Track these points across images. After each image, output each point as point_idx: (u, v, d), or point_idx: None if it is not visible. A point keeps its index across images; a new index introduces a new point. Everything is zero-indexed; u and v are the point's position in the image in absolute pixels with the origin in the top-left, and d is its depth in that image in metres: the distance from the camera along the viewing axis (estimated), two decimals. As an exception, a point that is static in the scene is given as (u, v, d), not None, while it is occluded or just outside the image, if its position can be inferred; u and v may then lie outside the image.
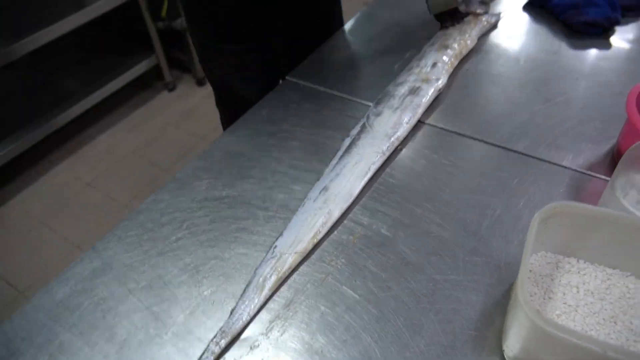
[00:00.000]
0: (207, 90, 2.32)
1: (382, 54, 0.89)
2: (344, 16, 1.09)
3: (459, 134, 0.72)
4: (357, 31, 0.98)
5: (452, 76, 0.82)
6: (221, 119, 1.16)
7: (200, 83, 2.34)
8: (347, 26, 0.99)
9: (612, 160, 0.66)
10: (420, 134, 0.73)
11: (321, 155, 0.70)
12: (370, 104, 0.77)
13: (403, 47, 0.89)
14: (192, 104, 2.27)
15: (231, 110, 1.09)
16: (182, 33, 2.16)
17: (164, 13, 2.13)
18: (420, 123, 0.74)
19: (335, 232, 0.60)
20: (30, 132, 1.84)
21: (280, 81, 1.09)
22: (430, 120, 0.75)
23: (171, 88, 2.33)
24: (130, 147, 2.06)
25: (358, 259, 0.57)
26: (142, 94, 2.32)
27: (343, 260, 0.57)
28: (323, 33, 1.04)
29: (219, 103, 1.11)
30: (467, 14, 0.89)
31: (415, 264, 0.56)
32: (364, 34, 0.97)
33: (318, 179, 0.66)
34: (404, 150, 0.70)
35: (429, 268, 0.56)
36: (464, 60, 0.86)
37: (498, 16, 0.93)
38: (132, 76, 2.13)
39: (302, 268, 0.57)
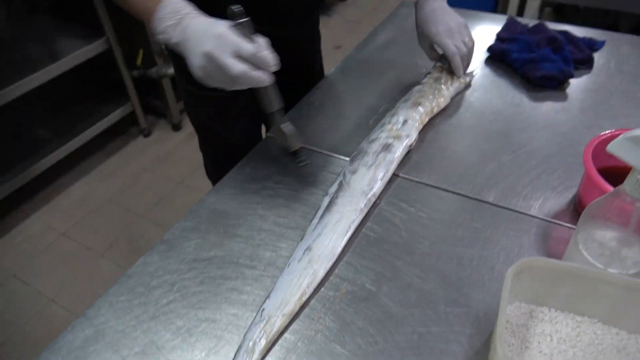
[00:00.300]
0: (183, 134, 2.35)
1: (358, 109, 0.94)
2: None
3: (433, 187, 0.77)
4: (333, 86, 1.03)
5: (424, 129, 0.87)
6: (204, 162, 1.20)
7: (175, 128, 2.36)
8: (324, 81, 1.05)
9: (575, 209, 0.72)
10: (396, 187, 0.77)
11: (304, 212, 0.74)
12: (347, 158, 0.81)
13: (378, 102, 0.95)
14: (168, 148, 2.28)
15: (214, 154, 1.14)
16: (157, 80, 2.20)
17: (139, 62, 2.16)
18: (395, 176, 0.79)
19: (322, 289, 0.63)
20: (3, 184, 1.82)
21: (263, 131, 1.14)
22: (405, 173, 0.79)
23: (146, 134, 2.34)
24: (106, 194, 2.05)
25: (345, 315, 0.60)
26: (116, 141, 2.33)
27: (331, 317, 0.60)
28: (305, 78, 1.12)
29: (203, 146, 1.15)
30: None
31: (399, 317, 0.59)
32: (340, 88, 1.02)
33: (302, 237, 0.68)
34: (381, 204, 0.74)
35: (413, 321, 0.59)
36: (437, 112, 0.91)
37: (471, 75, 0.99)
38: (107, 124, 2.14)
39: (292, 326, 0.59)
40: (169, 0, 0.68)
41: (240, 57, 0.64)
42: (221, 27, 0.64)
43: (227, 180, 0.80)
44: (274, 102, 0.74)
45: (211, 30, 0.64)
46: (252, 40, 0.65)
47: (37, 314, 1.62)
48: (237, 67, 0.63)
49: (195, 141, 1.15)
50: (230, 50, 0.63)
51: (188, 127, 2.37)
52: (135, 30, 2.07)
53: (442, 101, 0.90)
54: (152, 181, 2.11)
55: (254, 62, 0.65)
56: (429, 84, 0.92)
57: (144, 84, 2.29)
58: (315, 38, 1.13)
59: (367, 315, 0.60)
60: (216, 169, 1.16)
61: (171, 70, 2.16)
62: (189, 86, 0.99)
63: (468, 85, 0.98)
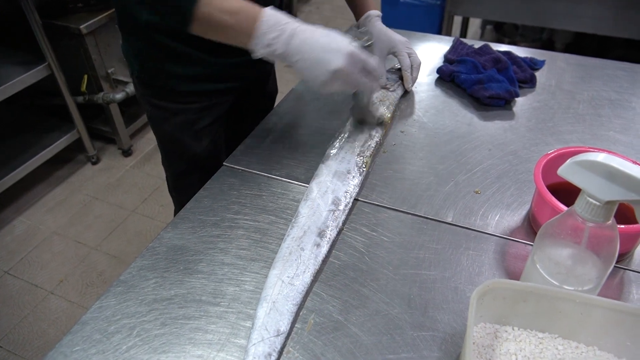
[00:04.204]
0: (134, 160, 2.28)
1: (313, 134, 0.95)
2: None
3: (393, 209, 0.78)
4: (289, 109, 1.03)
5: (379, 153, 0.89)
6: (167, 177, 1.17)
7: (126, 153, 2.29)
8: (278, 107, 1.04)
9: (529, 225, 0.74)
10: (357, 211, 0.77)
11: (266, 242, 0.73)
12: (307, 185, 0.81)
13: (333, 126, 0.95)
14: (118, 175, 2.21)
15: (179, 167, 1.12)
16: (104, 106, 2.13)
17: (83, 87, 2.09)
18: (355, 200, 0.79)
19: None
20: (-63, 223, 1.69)
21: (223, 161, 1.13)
22: (364, 197, 0.80)
23: (95, 161, 2.26)
24: (52, 227, 1.95)
25: (314, 347, 0.59)
26: (63, 170, 2.23)
27: (300, 351, 0.59)
28: (261, 98, 1.15)
29: (167, 160, 1.12)
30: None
31: (369, 345, 0.59)
32: (296, 112, 1.02)
33: (266, 266, 0.67)
34: (344, 230, 0.74)
35: (382, 348, 0.59)
36: (389, 135, 0.93)
37: (402, 87, 1.06)
38: (51, 153, 2.05)
39: (260, 364, 0.58)
40: (270, 13, 0.72)
41: (364, 70, 0.75)
42: (348, 45, 0.72)
43: (185, 214, 0.78)
44: (369, 96, 0.88)
45: (338, 47, 0.71)
46: (371, 56, 0.76)
47: (-21, 361, 1.50)
48: (363, 80, 0.75)
49: (147, 166, 1.13)
50: (360, 67, 0.74)
51: (139, 152, 2.31)
52: (78, 56, 2.00)
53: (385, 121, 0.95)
54: (102, 210, 2.03)
55: (373, 74, 0.77)
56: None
57: (90, 109, 2.22)
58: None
59: (337, 347, 0.59)
60: (180, 183, 1.15)
61: (119, 95, 2.09)
62: (157, 101, 0.98)
63: (406, 93, 1.06)
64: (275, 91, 1.23)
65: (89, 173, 2.23)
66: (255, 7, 0.73)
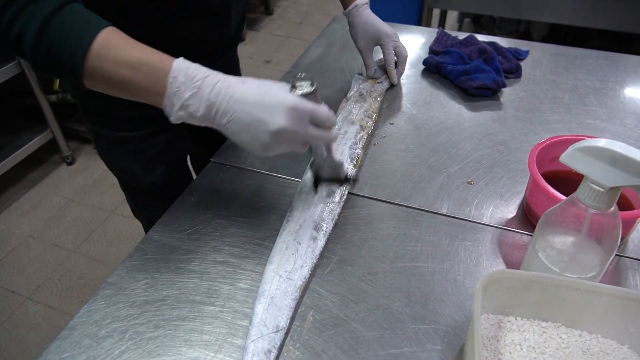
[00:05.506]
0: (111, 160, 2.22)
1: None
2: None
3: (387, 202, 0.77)
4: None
5: (370, 145, 0.88)
6: (127, 201, 1.09)
7: (102, 153, 2.23)
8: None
9: (523, 214, 0.74)
10: (351, 205, 0.76)
11: (259, 239, 0.71)
12: (299, 180, 0.79)
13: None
14: (95, 176, 2.15)
15: (136, 196, 1.03)
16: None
17: (56, 86, 2.03)
18: (349, 194, 0.78)
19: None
20: None
21: (189, 160, 1.07)
22: (358, 190, 0.79)
23: (70, 161, 2.19)
24: (28, 230, 1.89)
25: (315, 344, 0.58)
26: (37, 171, 2.16)
27: (300, 349, 0.57)
28: None
29: (122, 188, 1.04)
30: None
31: (371, 340, 0.58)
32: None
33: (261, 263, 0.65)
34: (340, 224, 0.73)
35: (384, 343, 0.58)
36: (378, 128, 0.92)
37: (387, 81, 1.04)
38: (24, 154, 1.98)
39: (260, 364, 0.56)
40: (180, 67, 0.57)
41: (315, 122, 0.61)
42: (287, 97, 0.58)
43: (172, 212, 0.75)
44: (328, 149, 0.70)
45: (276, 100, 0.57)
46: (319, 103, 0.62)
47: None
48: (315, 134, 0.61)
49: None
50: (306, 120, 0.59)
51: (116, 152, 2.24)
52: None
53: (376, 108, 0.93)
54: (80, 212, 1.97)
55: (324, 125, 0.62)
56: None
57: (64, 108, 2.15)
58: (235, 64, 1.05)
59: (338, 343, 0.58)
60: (141, 211, 1.06)
61: (94, 93, 2.03)
62: (98, 128, 0.88)
63: (392, 86, 1.04)
64: None
65: (64, 174, 2.16)
66: (162, 58, 0.57)
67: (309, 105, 0.59)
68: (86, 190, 2.08)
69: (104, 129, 0.88)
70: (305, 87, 0.61)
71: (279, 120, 0.57)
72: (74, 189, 2.08)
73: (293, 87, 0.61)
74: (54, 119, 2.05)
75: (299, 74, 0.62)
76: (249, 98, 0.57)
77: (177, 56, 0.58)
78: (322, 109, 0.61)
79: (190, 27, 0.78)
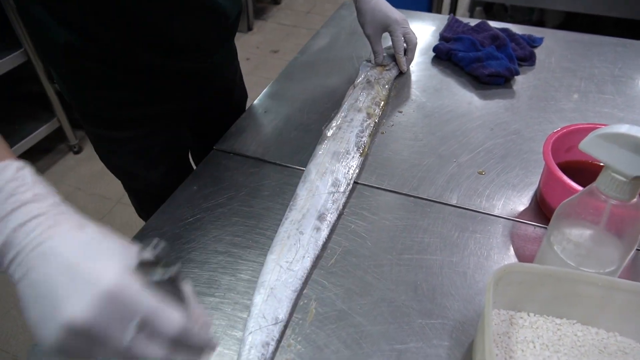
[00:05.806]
0: (117, 149, 2.21)
1: (308, 114, 0.90)
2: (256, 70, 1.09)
3: (394, 192, 0.74)
4: (280, 92, 0.98)
5: (377, 133, 0.85)
6: (130, 201, 1.06)
7: (109, 143, 2.22)
8: (270, 86, 1.00)
9: (537, 206, 0.71)
10: (357, 195, 0.73)
11: (261, 229, 0.68)
12: (303, 168, 0.77)
13: (327, 105, 0.91)
14: (102, 165, 2.13)
15: (139, 196, 1.01)
16: (85, 93, 2.05)
17: (63, 73, 2.01)
18: (355, 184, 0.75)
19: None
20: None
21: (190, 157, 1.05)
22: (364, 180, 0.76)
23: (77, 150, 2.18)
24: (34, 219, 1.88)
25: (317, 338, 0.55)
26: (43, 160, 2.15)
27: (302, 343, 0.55)
28: (227, 99, 1.02)
29: (127, 190, 1.02)
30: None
31: (375, 335, 0.56)
32: (287, 93, 0.98)
33: (262, 253, 0.63)
34: (344, 214, 0.70)
35: (389, 338, 0.55)
36: (387, 116, 0.89)
37: (396, 68, 1.01)
38: (31, 143, 1.97)
39: (260, 358, 0.54)
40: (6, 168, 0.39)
41: (151, 330, 0.34)
42: (112, 275, 0.33)
43: (173, 201, 0.73)
44: None
45: (87, 276, 0.33)
46: (182, 300, 0.38)
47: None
48: (145, 349, 0.34)
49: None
50: (130, 322, 0.33)
51: (123, 141, 2.23)
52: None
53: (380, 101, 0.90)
54: (86, 201, 1.97)
55: (175, 341, 0.35)
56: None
57: (71, 97, 2.14)
58: (233, 54, 1.00)
59: (341, 337, 0.55)
60: (144, 210, 1.04)
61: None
62: (98, 130, 0.85)
63: (401, 74, 1.02)
64: (244, 97, 1.09)
65: (71, 163, 2.16)
66: None
67: (144, 299, 0.34)
68: (93, 179, 2.07)
69: (104, 131, 0.85)
70: (157, 272, 0.36)
71: (75, 310, 0.32)
72: (80, 178, 2.07)
73: (142, 264, 0.36)
74: (60, 108, 2.03)
75: (154, 240, 0.38)
76: (64, 258, 0.34)
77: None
78: (172, 315, 0.34)
79: (186, 23, 0.75)
